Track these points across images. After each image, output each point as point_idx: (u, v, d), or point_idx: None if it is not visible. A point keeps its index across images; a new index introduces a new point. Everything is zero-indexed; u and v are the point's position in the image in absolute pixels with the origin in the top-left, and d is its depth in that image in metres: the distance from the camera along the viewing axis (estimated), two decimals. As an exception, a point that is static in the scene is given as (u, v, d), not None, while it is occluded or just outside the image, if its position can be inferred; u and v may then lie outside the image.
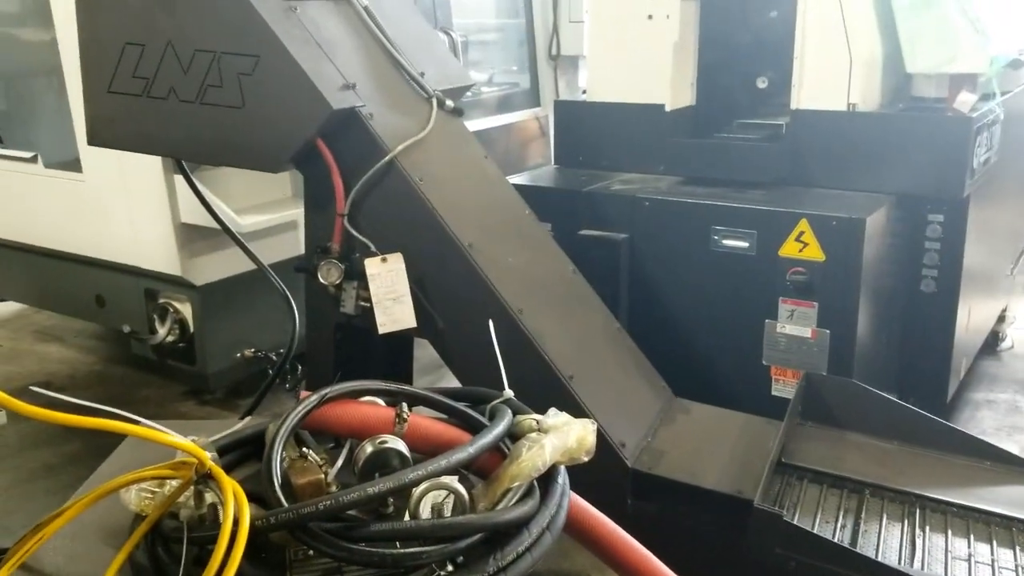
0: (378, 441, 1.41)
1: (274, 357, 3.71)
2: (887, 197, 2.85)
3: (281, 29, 2.30)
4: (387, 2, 2.78)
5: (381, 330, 2.36)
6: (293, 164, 2.45)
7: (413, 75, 2.60)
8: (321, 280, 2.41)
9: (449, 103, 2.64)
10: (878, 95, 3.02)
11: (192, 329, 3.69)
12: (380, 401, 1.55)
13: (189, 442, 1.28)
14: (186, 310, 3.70)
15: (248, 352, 3.74)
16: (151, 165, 3.41)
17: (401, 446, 1.40)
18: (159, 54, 2.42)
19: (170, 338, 3.70)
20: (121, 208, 3.68)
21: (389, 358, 2.71)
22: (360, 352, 2.59)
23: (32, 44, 4.19)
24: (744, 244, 2.77)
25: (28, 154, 3.94)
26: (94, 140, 2.63)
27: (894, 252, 2.93)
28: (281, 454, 1.33)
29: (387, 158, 2.35)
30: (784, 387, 2.78)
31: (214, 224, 3.26)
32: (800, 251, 2.69)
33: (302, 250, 3.71)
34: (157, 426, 1.32)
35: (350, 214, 2.38)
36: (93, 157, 3.65)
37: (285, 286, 3.07)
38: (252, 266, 3.28)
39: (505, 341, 1.72)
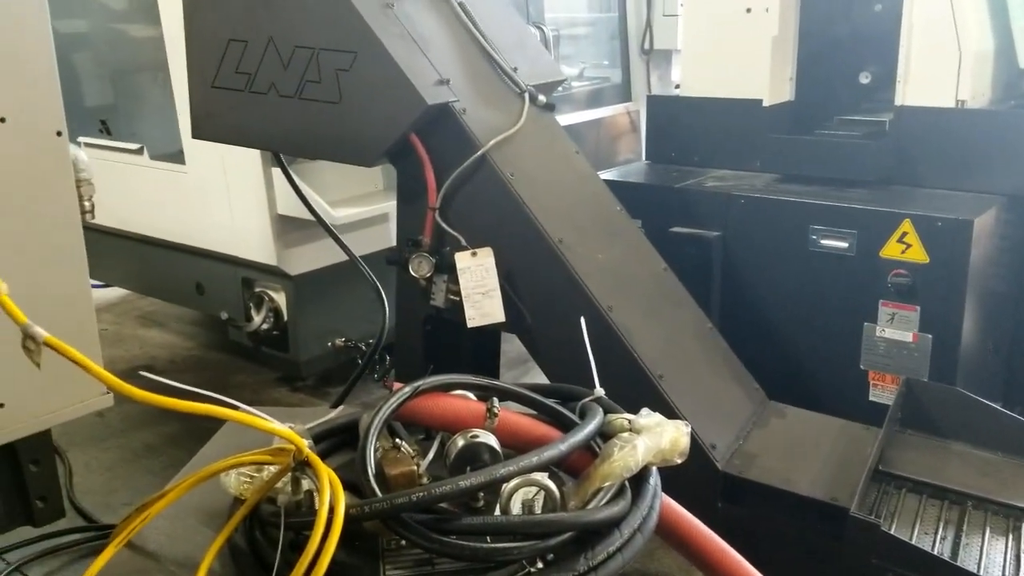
0: (469, 435, 1.42)
1: (363, 347, 3.77)
2: (997, 198, 2.72)
3: (378, 25, 2.33)
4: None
5: (470, 324, 2.37)
6: (387, 158, 2.48)
7: (506, 70, 2.61)
8: (412, 273, 2.44)
9: (541, 98, 2.64)
10: (988, 91, 2.90)
11: (286, 317, 3.78)
12: (471, 395, 1.56)
13: (288, 430, 1.31)
14: (281, 299, 3.79)
15: (339, 341, 3.81)
16: (250, 158, 3.51)
17: (492, 441, 1.41)
18: (261, 50, 2.48)
19: (265, 326, 3.80)
20: (221, 199, 3.79)
21: (477, 351, 2.73)
22: (448, 345, 2.61)
23: (139, 40, 4.36)
24: (843, 244, 2.69)
25: (135, 146, 4.10)
26: (198, 133, 2.71)
27: (1003, 255, 2.80)
28: (375, 445, 1.35)
29: (479, 153, 2.36)
30: (882, 393, 2.69)
31: (309, 216, 3.34)
32: (903, 252, 2.60)
33: (393, 242, 3.77)
34: (257, 412, 1.36)
35: (441, 208, 2.40)
36: (196, 150, 3.78)
37: (376, 277, 3.12)
38: (345, 257, 3.35)
39: (594, 338, 1.71)
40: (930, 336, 2.59)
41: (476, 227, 2.38)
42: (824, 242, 2.72)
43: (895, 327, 2.65)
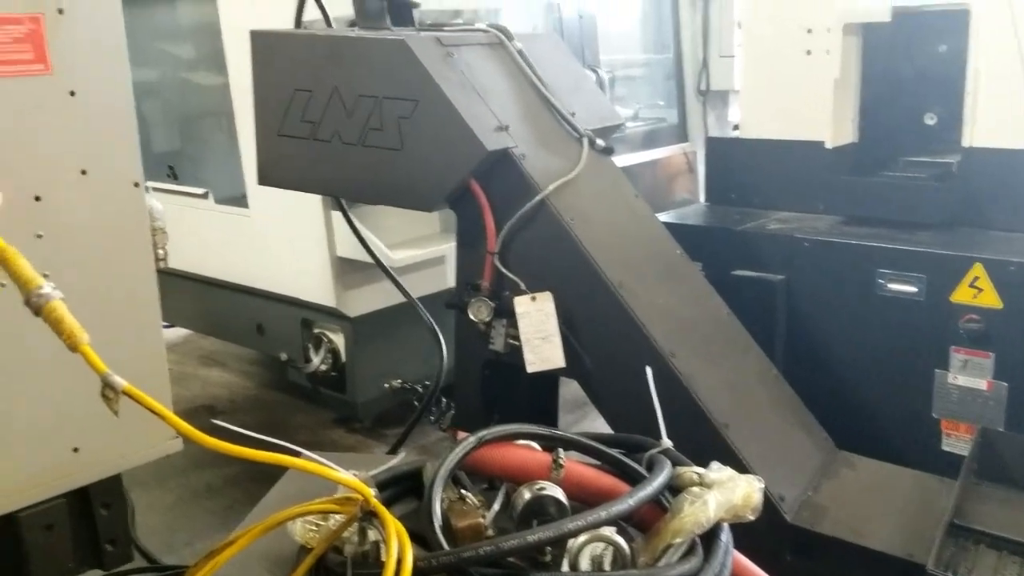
0: (536, 487, 1.40)
1: (419, 389, 3.78)
2: (1071, 240, 2.64)
3: (439, 74, 2.36)
4: (540, 44, 2.83)
5: (529, 369, 2.36)
6: (447, 203, 2.50)
7: (564, 115, 2.62)
8: (471, 317, 2.44)
9: (600, 142, 2.64)
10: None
11: (344, 359, 3.81)
12: (535, 445, 1.54)
13: (355, 479, 1.31)
14: (339, 340, 3.82)
15: (395, 383, 3.82)
16: (311, 202, 3.57)
17: (559, 493, 1.39)
18: (325, 100, 2.54)
19: (323, 367, 3.83)
20: (282, 242, 3.86)
21: (535, 395, 2.71)
22: (507, 389, 2.60)
23: (206, 88, 4.49)
24: (912, 289, 2.62)
25: (201, 190, 4.20)
26: (264, 180, 2.77)
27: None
28: (441, 496, 1.35)
29: (538, 198, 2.36)
30: (956, 442, 2.60)
31: (368, 258, 3.39)
32: (974, 297, 2.53)
33: (450, 284, 3.80)
34: (323, 460, 1.36)
35: (501, 252, 2.41)
36: (259, 194, 3.85)
37: (433, 319, 3.14)
38: (402, 299, 3.38)
39: (657, 386, 1.68)
40: (1006, 384, 2.50)
41: (536, 271, 2.38)
42: (892, 286, 2.66)
43: (968, 374, 2.57)
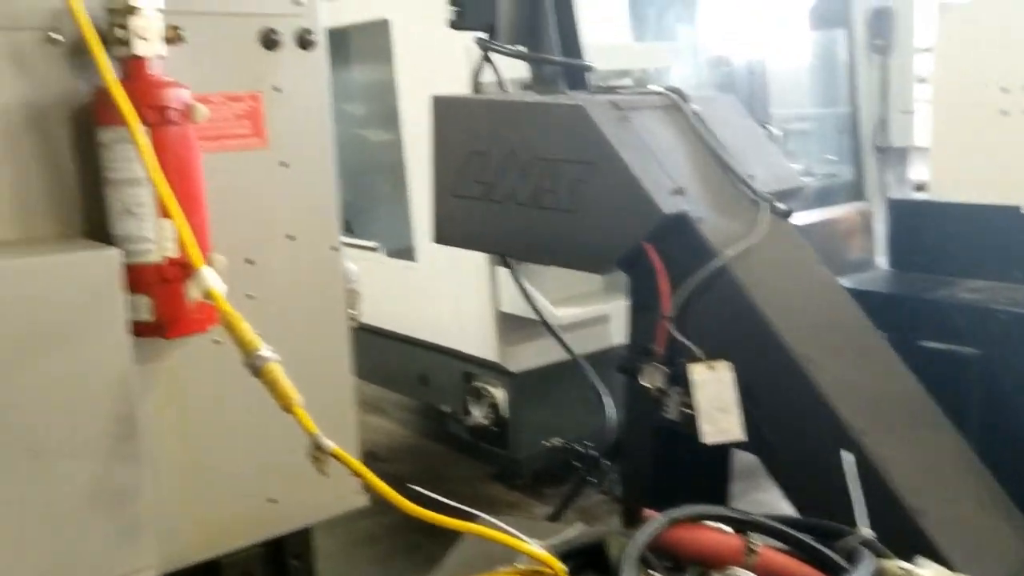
0: (727, 572, 1.35)
1: (580, 448, 3.74)
2: None
3: (615, 137, 2.36)
4: (716, 105, 2.79)
5: (705, 440, 2.29)
6: (620, 266, 2.48)
7: (742, 178, 2.56)
8: (644, 383, 2.40)
9: (779, 206, 2.56)
10: None
11: (505, 414, 3.84)
12: (724, 526, 1.48)
13: (546, 553, 1.30)
14: (500, 395, 3.85)
15: (556, 441, 3.81)
16: (477, 257, 3.64)
17: (757, 582, 1.33)
18: (501, 162, 2.59)
19: (484, 421, 3.87)
20: (448, 295, 3.95)
21: (707, 466, 2.62)
22: (678, 458, 2.53)
23: (378, 144, 4.70)
24: None
25: (372, 243, 4.37)
26: (439, 239, 2.84)
27: None
28: (632, 577, 1.31)
29: (716, 262, 2.31)
30: None
31: (531, 314, 3.41)
32: None
33: (612, 343, 3.79)
34: (513, 531, 1.36)
35: (676, 318, 2.36)
36: (426, 247, 3.98)
37: (595, 378, 3.11)
38: (564, 357, 3.37)
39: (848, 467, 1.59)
40: None
41: (713, 339, 2.31)
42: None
43: None
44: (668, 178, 2.38)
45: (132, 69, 1.61)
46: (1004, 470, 2.33)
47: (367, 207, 4.88)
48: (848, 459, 1.57)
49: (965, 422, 2.55)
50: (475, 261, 3.67)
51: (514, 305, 3.63)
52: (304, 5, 1.87)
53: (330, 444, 1.23)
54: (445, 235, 2.83)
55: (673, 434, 2.42)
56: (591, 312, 3.67)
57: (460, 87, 3.45)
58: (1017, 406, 2.59)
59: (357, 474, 1.23)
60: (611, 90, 2.80)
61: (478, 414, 3.91)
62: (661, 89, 2.68)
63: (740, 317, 2.28)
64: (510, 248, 2.75)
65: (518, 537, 1.34)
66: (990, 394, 2.61)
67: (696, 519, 1.47)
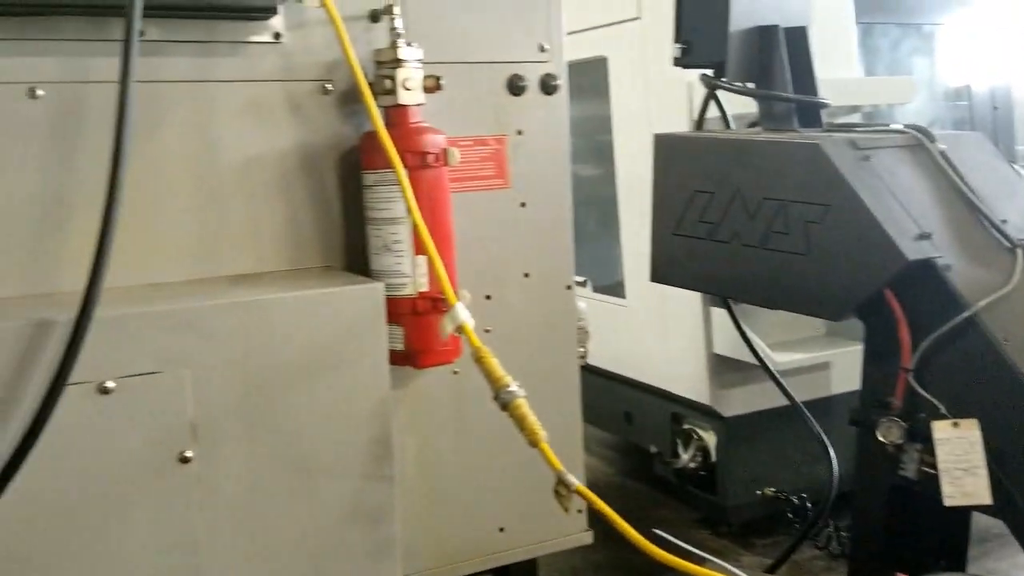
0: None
1: (795, 500, 3.58)
2: None
3: (855, 179, 2.27)
4: (963, 143, 2.62)
5: (948, 502, 2.12)
6: (856, 313, 2.37)
7: (995, 223, 2.38)
8: (880, 438, 2.26)
9: (1038, 252, 2.36)
10: None
11: (714, 458, 3.74)
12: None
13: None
14: (710, 439, 3.76)
15: (768, 491, 3.66)
16: (690, 297, 3.58)
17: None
18: (727, 201, 2.54)
19: (692, 464, 3.79)
20: (657, 334, 3.91)
21: (944, 528, 2.44)
22: (913, 518, 2.37)
23: (588, 178, 4.74)
24: None
25: (581, 278, 4.40)
26: (657, 278, 2.83)
27: None
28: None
29: (966, 314, 2.15)
30: None
31: (745, 357, 3.30)
32: None
33: (832, 391, 3.61)
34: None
35: (917, 370, 2.22)
36: (636, 284, 3.96)
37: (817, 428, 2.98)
38: (778, 403, 3.24)
39: None
40: None
41: (959, 395, 2.15)
42: None
43: None
44: (912, 222, 2.26)
45: (396, 116, 1.74)
46: None
47: (577, 242, 4.93)
48: None
49: None
50: (688, 300, 3.61)
51: (727, 347, 3.55)
52: (549, 51, 1.93)
53: (574, 481, 1.25)
54: (664, 274, 2.81)
55: (909, 492, 2.28)
56: (811, 358, 3.53)
57: (678, 124, 3.44)
58: None
59: (600, 512, 1.24)
60: (848, 128, 2.69)
61: (686, 457, 3.83)
62: (902, 127, 2.55)
63: (990, 373, 2.12)
64: (734, 290, 2.68)
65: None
66: None
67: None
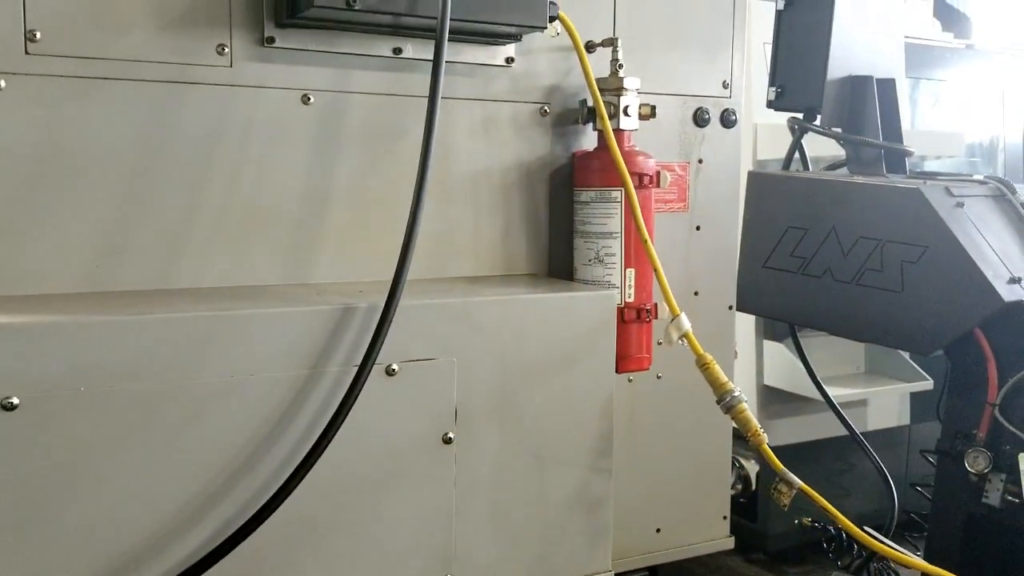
0: None
1: (832, 530, 3.70)
2: None
3: (953, 223, 2.43)
4: (1035, 197, 2.80)
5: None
6: (946, 348, 2.51)
7: (1073, 271, 2.55)
8: (968, 467, 2.41)
9: (1112, 301, 2.53)
10: None
11: (755, 487, 3.85)
12: None
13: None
14: (752, 468, 3.88)
15: (806, 520, 3.78)
16: (744, 327, 3.71)
17: None
18: (821, 238, 2.69)
19: (733, 492, 3.89)
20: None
21: (1020, 556, 2.57)
22: (989, 546, 2.50)
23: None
24: None
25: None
26: (742, 307, 2.94)
27: None
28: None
29: (1053, 354, 2.31)
30: None
31: (794, 390, 3.44)
32: None
33: (868, 427, 3.75)
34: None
35: (1002, 405, 2.37)
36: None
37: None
38: (819, 436, 3.37)
39: None
40: None
41: (1040, 429, 2.31)
42: None
43: None
44: (1004, 266, 2.42)
45: (616, 140, 1.87)
46: None
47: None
48: None
49: None
50: (741, 331, 3.75)
51: (776, 379, 3.68)
52: (730, 88, 2.08)
53: (798, 481, 1.36)
54: (749, 304, 2.93)
55: (989, 522, 2.41)
56: (854, 394, 3.67)
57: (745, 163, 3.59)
58: None
59: (825, 509, 1.35)
60: (932, 175, 2.86)
61: (728, 484, 3.93)
62: (985, 178, 2.73)
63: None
64: (822, 322, 2.81)
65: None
66: None
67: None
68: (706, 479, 1.92)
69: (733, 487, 3.92)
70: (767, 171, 2.94)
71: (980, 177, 2.74)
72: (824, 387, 3.33)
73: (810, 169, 3.16)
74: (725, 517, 2.29)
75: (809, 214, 2.74)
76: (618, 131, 1.84)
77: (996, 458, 2.37)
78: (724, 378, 1.49)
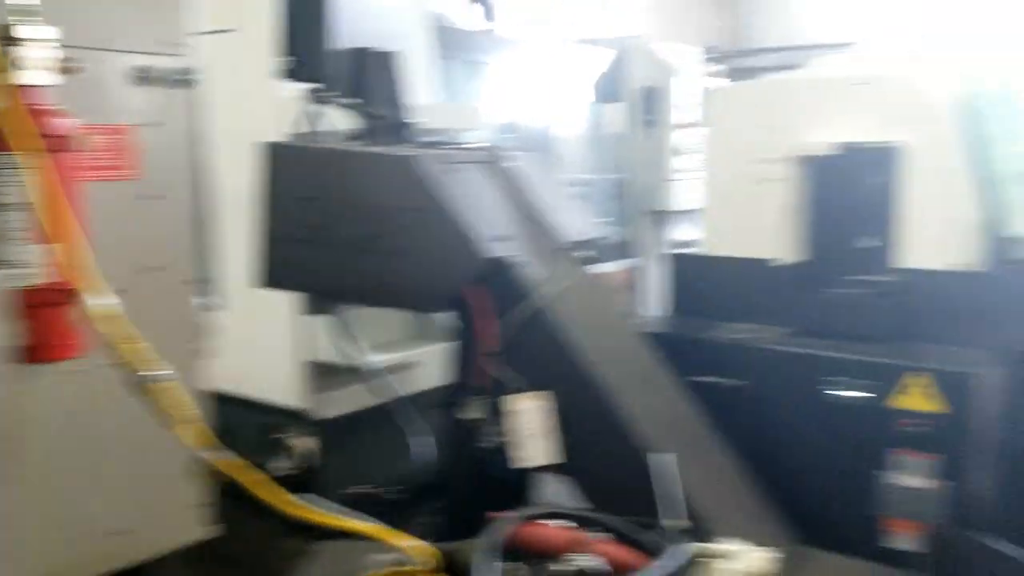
0: (568, 559, 1.56)
1: (373, 491, 3.80)
2: (1003, 353, 2.94)
3: (442, 187, 2.58)
4: (525, 165, 3.08)
5: (523, 465, 2.50)
6: (447, 306, 2.67)
7: (551, 228, 2.86)
8: (464, 416, 2.58)
9: (582, 253, 2.88)
10: (977, 255, 3.15)
11: (312, 462, 3.83)
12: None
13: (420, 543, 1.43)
14: (305, 444, 3.85)
15: (357, 488, 3.85)
16: (278, 305, 3.60)
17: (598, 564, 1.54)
18: (330, 208, 2.71)
19: (288, 470, 3.84)
20: (249, 344, 3.88)
21: (518, 492, 2.82)
22: (496, 487, 2.71)
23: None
24: (858, 394, 2.88)
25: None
26: (265, 283, 2.87)
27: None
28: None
29: (534, 303, 2.56)
30: (900, 540, 2.80)
31: (338, 361, 3.47)
32: (915, 402, 2.79)
33: (421, 387, 3.91)
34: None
35: (497, 355, 2.58)
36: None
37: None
38: (371, 403, 3.43)
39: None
40: (950, 483, 2.74)
41: (528, 373, 2.55)
42: (838, 392, 2.92)
43: (911, 475, 2.80)
44: (490, 226, 2.62)
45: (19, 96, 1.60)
46: (761, 482, 2.73)
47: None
48: (669, 459, 1.84)
49: (733, 440, 2.94)
50: (277, 309, 3.66)
51: (318, 352, 3.67)
52: (182, 46, 1.89)
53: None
54: (275, 280, 2.85)
55: (492, 464, 2.60)
56: (401, 357, 3.79)
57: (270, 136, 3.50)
58: (773, 427, 3.02)
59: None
60: (433, 144, 3.01)
61: (282, 464, 3.86)
62: (478, 145, 2.94)
63: (552, 352, 2.55)
64: (340, 291, 2.84)
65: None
66: (752, 418, 3.03)
67: (540, 518, 1.67)
68: (173, 469, 1.75)
69: (287, 465, 3.86)
70: (277, 142, 2.87)
71: (475, 144, 2.94)
72: (359, 355, 3.39)
73: (326, 140, 3.18)
74: (203, 505, 2.19)
75: (319, 184, 2.74)
76: (21, 86, 1.63)
77: (493, 405, 2.57)
78: (144, 357, 1.38)
